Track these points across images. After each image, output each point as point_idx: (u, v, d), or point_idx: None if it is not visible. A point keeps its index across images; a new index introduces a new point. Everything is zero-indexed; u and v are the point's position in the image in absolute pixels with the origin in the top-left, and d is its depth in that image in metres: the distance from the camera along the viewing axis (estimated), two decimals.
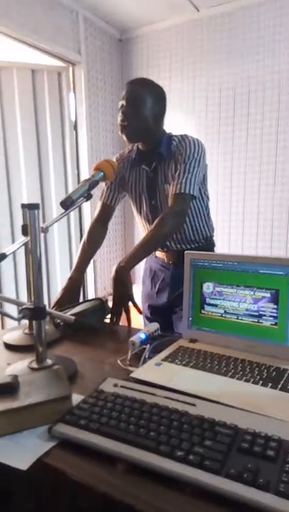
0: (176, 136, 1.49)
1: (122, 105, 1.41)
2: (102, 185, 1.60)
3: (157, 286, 1.65)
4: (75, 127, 3.09)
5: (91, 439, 0.65)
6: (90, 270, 3.25)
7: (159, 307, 1.65)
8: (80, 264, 1.52)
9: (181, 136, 1.48)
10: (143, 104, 1.39)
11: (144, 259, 1.60)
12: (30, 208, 0.90)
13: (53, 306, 1.40)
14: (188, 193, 1.37)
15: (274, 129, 2.82)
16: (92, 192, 1.09)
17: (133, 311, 1.34)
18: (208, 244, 1.63)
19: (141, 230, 1.65)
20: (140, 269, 1.78)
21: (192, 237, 1.56)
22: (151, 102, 1.40)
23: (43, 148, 2.96)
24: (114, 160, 1.31)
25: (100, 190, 1.61)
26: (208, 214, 1.62)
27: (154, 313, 1.68)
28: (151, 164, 1.48)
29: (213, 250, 1.65)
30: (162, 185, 1.47)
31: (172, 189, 1.39)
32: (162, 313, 1.63)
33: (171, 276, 1.59)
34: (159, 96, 1.45)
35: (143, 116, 1.40)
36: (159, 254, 1.62)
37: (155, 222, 1.36)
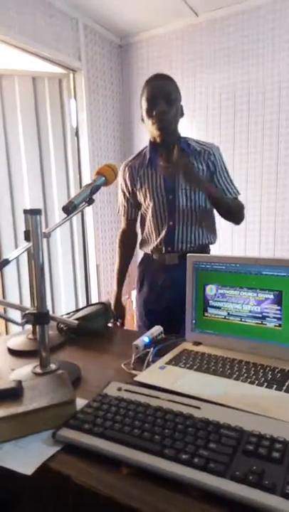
0: (188, 138, 1.54)
1: (154, 101, 1.38)
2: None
3: (157, 290, 1.62)
4: (77, 133, 3.11)
5: (95, 443, 0.65)
6: (93, 275, 3.25)
7: (158, 311, 1.61)
8: (117, 278, 1.76)
9: (198, 140, 1.55)
10: (175, 99, 1.41)
11: (138, 264, 1.69)
12: (32, 213, 0.90)
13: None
14: (240, 193, 1.60)
15: (275, 131, 2.82)
16: (93, 197, 1.09)
17: None
18: (206, 250, 1.64)
19: (149, 231, 1.61)
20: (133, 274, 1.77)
21: (198, 240, 1.56)
22: (177, 98, 1.44)
23: (45, 155, 2.98)
24: (114, 165, 1.31)
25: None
26: (214, 219, 1.64)
27: (154, 318, 1.61)
28: (170, 160, 1.49)
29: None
30: (181, 180, 1.48)
31: (231, 195, 1.56)
32: (163, 318, 1.61)
33: (172, 278, 1.56)
34: (179, 91, 1.47)
35: (175, 114, 1.43)
36: (157, 256, 1.59)
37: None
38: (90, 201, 1.07)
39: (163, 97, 1.39)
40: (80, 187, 3.02)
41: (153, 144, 1.54)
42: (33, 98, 2.87)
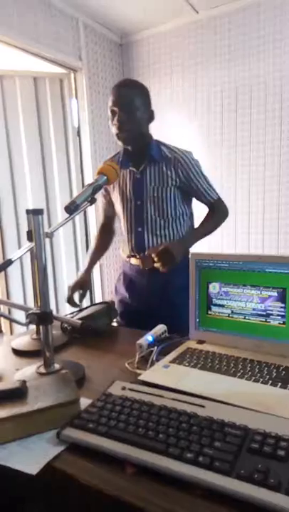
0: (162, 143, 1.52)
1: (115, 111, 1.39)
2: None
3: (134, 293, 1.60)
4: (78, 133, 3.11)
5: (100, 443, 0.65)
6: (96, 274, 3.25)
7: (134, 313, 1.59)
8: (89, 267, 1.68)
9: (171, 146, 1.52)
10: (136, 108, 1.39)
11: (122, 265, 1.68)
12: (34, 213, 0.90)
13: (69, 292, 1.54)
14: (219, 197, 1.60)
15: (277, 128, 2.81)
16: (96, 196, 1.09)
17: None
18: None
19: (124, 233, 1.59)
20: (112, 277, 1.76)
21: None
22: (142, 104, 1.41)
23: (46, 155, 2.98)
24: (116, 164, 1.31)
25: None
26: (192, 226, 1.63)
27: (130, 319, 1.60)
28: (140, 166, 1.48)
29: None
30: (150, 186, 1.47)
31: (207, 199, 1.56)
32: (138, 319, 1.56)
33: (147, 282, 1.54)
34: (147, 97, 1.45)
35: (138, 121, 1.41)
36: (134, 261, 1.56)
37: (213, 215, 1.59)
38: (92, 201, 1.07)
39: (124, 106, 1.37)
40: (82, 186, 3.02)
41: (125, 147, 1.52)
42: (34, 98, 2.87)
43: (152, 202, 1.48)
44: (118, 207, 1.57)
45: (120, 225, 1.61)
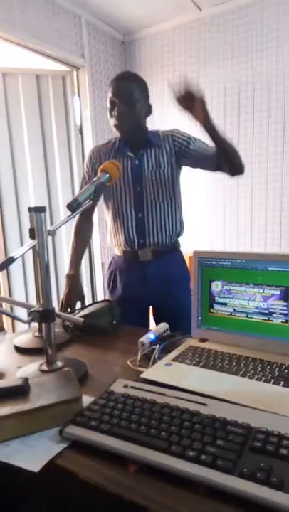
0: (152, 131, 1.53)
1: (115, 102, 1.40)
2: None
3: (132, 287, 1.57)
4: (81, 131, 3.11)
5: (102, 440, 0.65)
6: (98, 272, 3.25)
7: (136, 309, 1.56)
8: (75, 260, 1.61)
9: (159, 130, 1.53)
10: (136, 100, 1.41)
11: (108, 266, 1.66)
12: (36, 211, 0.90)
13: (63, 308, 1.43)
14: None
15: (280, 125, 2.80)
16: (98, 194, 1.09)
17: None
18: (177, 242, 1.62)
19: (116, 224, 1.56)
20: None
21: (169, 231, 1.55)
22: (142, 96, 1.44)
23: (49, 152, 2.98)
24: (118, 161, 1.31)
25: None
26: (181, 211, 1.61)
27: (132, 315, 1.53)
28: (137, 152, 1.50)
29: (179, 249, 1.63)
30: (148, 170, 1.49)
31: (211, 153, 1.46)
32: (142, 315, 1.56)
33: (147, 274, 1.54)
34: (146, 90, 1.48)
35: (137, 113, 1.43)
36: (130, 254, 1.55)
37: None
38: (94, 198, 1.07)
39: (124, 98, 1.39)
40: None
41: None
42: (36, 96, 2.87)
43: (151, 186, 1.50)
44: (113, 193, 1.54)
45: (113, 214, 1.56)
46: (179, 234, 1.61)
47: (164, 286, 1.53)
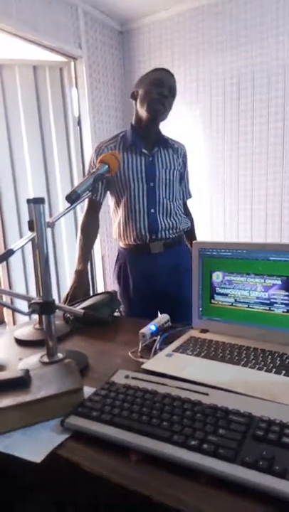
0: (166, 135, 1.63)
1: (162, 84, 1.45)
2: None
3: (146, 278, 1.58)
4: (79, 122, 3.08)
5: (104, 431, 0.65)
6: (98, 265, 3.25)
7: (150, 297, 1.56)
8: (84, 256, 1.62)
9: (170, 137, 1.65)
10: (174, 95, 1.52)
11: (116, 259, 1.69)
12: (35, 202, 0.89)
13: (67, 302, 1.43)
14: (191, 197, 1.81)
15: (280, 116, 2.77)
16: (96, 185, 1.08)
17: None
18: (183, 236, 1.70)
19: (127, 219, 1.56)
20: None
21: (179, 226, 1.62)
22: (176, 92, 1.53)
23: (47, 144, 2.95)
24: (117, 152, 1.29)
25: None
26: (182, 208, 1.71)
27: (146, 304, 1.53)
28: (152, 149, 1.55)
29: (185, 242, 1.71)
30: (162, 169, 1.56)
31: (186, 192, 1.75)
32: (156, 303, 1.57)
33: (159, 266, 1.56)
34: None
35: (169, 107, 1.51)
36: (141, 246, 1.56)
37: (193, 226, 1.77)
38: (93, 190, 1.06)
39: (168, 88, 1.47)
40: (83, 176, 3.00)
41: (135, 127, 1.55)
42: (34, 87, 2.84)
43: (164, 184, 1.56)
44: (127, 188, 1.54)
45: (126, 208, 1.55)
46: (188, 227, 1.71)
47: (175, 276, 1.57)
